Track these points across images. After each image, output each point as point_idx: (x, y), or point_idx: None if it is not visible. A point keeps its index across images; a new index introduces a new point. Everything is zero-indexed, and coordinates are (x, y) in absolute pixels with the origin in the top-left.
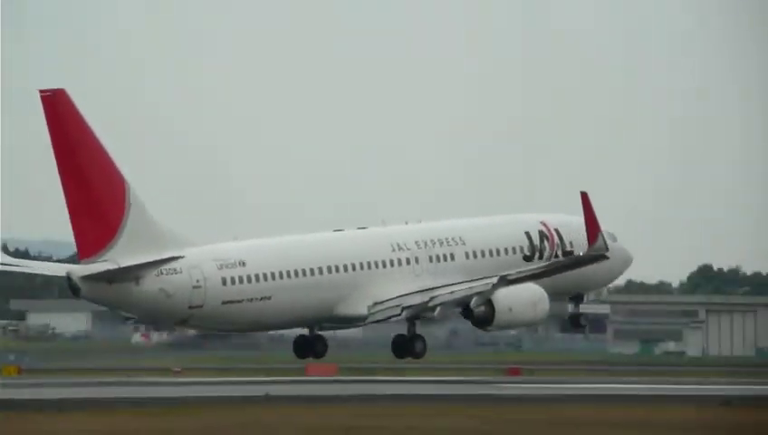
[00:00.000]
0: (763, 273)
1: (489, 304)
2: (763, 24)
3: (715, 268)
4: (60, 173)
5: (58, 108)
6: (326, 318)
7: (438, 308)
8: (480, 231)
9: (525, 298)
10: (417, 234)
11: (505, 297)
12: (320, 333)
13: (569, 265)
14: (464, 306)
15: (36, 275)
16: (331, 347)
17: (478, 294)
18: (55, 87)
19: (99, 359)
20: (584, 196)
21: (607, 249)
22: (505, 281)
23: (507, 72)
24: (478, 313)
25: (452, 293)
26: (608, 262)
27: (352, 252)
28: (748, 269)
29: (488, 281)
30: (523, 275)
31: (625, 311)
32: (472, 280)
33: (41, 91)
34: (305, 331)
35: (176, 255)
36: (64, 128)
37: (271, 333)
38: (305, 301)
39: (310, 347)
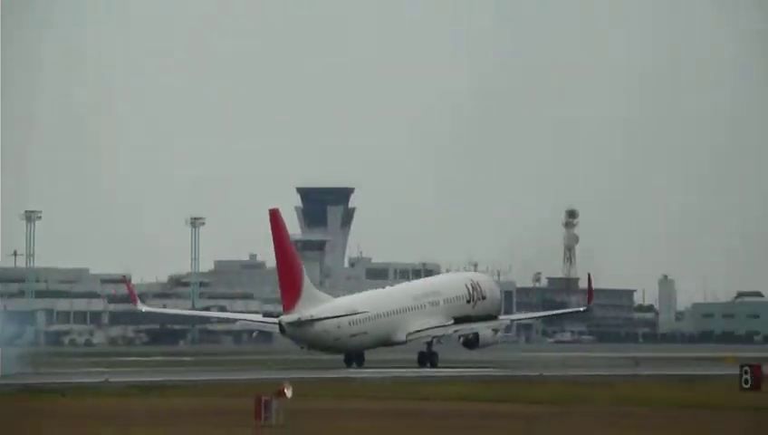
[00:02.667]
0: None
1: (476, 335)
2: None
3: None
4: (278, 263)
5: (278, 222)
6: (387, 343)
7: (456, 337)
8: (445, 285)
9: (493, 331)
10: (418, 289)
11: (483, 329)
12: (435, 350)
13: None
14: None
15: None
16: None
17: (471, 329)
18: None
19: None
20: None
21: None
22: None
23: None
24: (471, 340)
25: (466, 329)
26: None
27: (397, 302)
28: None
29: (483, 324)
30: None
31: None
32: (471, 322)
33: (271, 210)
34: (424, 347)
35: (332, 315)
36: (280, 235)
37: None
38: (380, 333)
39: (427, 358)
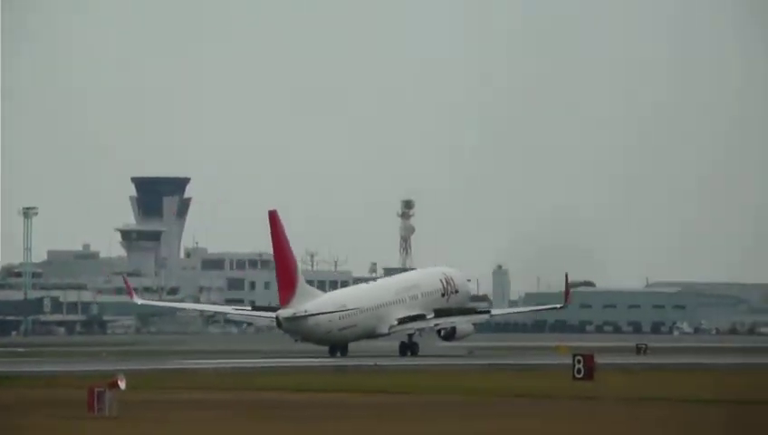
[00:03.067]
0: None
1: (454, 327)
2: None
3: None
4: (276, 261)
5: (276, 222)
6: (372, 335)
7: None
8: (422, 280)
9: (465, 322)
10: (400, 283)
11: (461, 323)
12: (415, 340)
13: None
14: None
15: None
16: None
17: (451, 323)
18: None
19: None
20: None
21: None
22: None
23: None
24: (448, 332)
25: (446, 322)
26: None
27: (381, 296)
28: None
29: (464, 318)
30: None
31: None
32: (451, 315)
33: (270, 212)
34: (405, 338)
35: (330, 310)
36: (279, 236)
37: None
38: (367, 326)
39: (408, 348)
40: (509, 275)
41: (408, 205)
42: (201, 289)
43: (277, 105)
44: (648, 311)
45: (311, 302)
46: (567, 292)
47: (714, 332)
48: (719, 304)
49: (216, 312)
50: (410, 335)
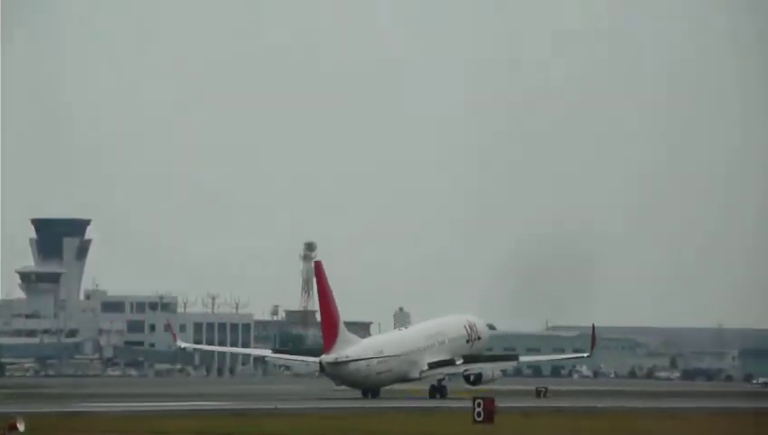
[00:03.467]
0: None
1: (480, 373)
2: None
3: None
4: (321, 309)
5: (321, 273)
6: (405, 379)
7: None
8: (448, 326)
9: (495, 368)
10: (430, 330)
11: (486, 368)
12: (444, 384)
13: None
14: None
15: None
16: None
17: (481, 368)
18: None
19: None
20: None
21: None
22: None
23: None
24: (475, 377)
25: (474, 368)
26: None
27: (414, 343)
28: None
29: (493, 365)
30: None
31: None
32: (479, 362)
33: (315, 263)
34: (435, 382)
35: (369, 356)
36: (324, 287)
37: None
38: (401, 370)
39: (437, 391)
40: (411, 317)
41: (309, 247)
42: (101, 331)
43: (177, 149)
44: (547, 354)
45: (351, 348)
46: (593, 340)
47: (612, 375)
48: (618, 348)
49: (257, 356)
50: (440, 380)
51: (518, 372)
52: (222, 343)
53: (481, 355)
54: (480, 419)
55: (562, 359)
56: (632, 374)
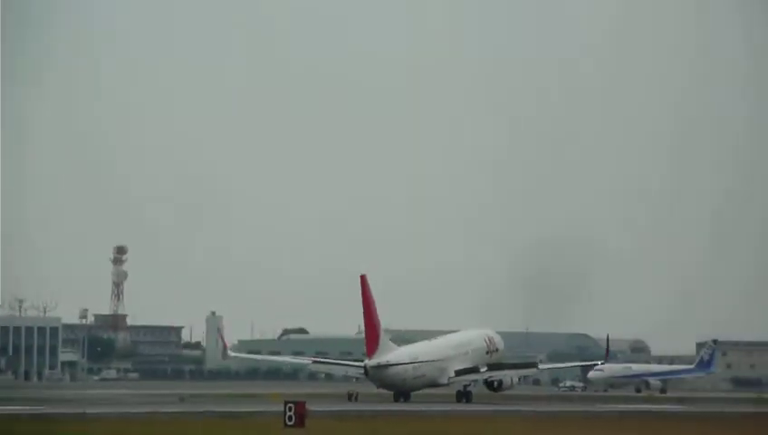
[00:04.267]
0: None
1: (500, 380)
2: None
3: None
4: (366, 319)
5: (366, 287)
6: (434, 384)
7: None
8: (472, 338)
9: (515, 375)
10: (455, 341)
11: (507, 376)
12: (469, 389)
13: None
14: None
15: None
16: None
17: (502, 375)
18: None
19: None
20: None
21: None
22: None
23: None
24: (497, 384)
25: (497, 375)
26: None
27: (443, 352)
28: None
29: (513, 372)
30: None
31: None
32: (500, 369)
33: (361, 276)
34: (461, 387)
35: (403, 362)
36: (368, 298)
37: None
38: (433, 376)
39: (463, 396)
40: (223, 321)
41: (120, 250)
42: None
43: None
44: (360, 357)
45: (392, 353)
46: (607, 348)
47: None
48: None
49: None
50: (465, 386)
51: (329, 377)
52: (29, 348)
53: (503, 363)
54: (291, 422)
55: (582, 365)
56: None
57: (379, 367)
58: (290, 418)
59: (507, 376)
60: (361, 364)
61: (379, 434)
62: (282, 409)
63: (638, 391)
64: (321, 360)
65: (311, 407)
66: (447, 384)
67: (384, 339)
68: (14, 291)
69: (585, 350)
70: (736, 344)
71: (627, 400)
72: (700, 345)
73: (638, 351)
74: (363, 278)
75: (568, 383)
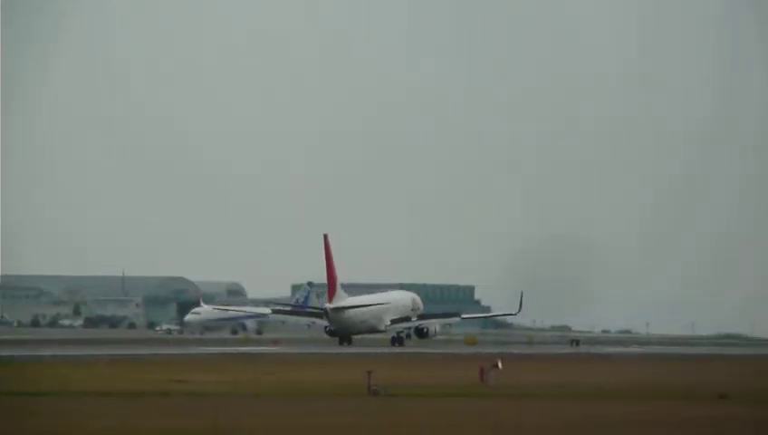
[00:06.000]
0: None
1: (427, 328)
2: None
3: None
4: (327, 272)
5: (328, 244)
6: (374, 331)
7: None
8: (400, 297)
9: (439, 324)
10: (390, 297)
11: (434, 324)
12: (401, 335)
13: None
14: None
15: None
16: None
17: (431, 323)
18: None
19: None
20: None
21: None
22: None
23: None
24: (423, 331)
25: (426, 323)
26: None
27: (381, 303)
28: None
29: (440, 320)
30: (472, 317)
31: None
32: (430, 317)
33: (324, 235)
34: (395, 334)
35: (360, 304)
36: (329, 253)
37: None
38: (373, 323)
39: (396, 341)
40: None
41: None
42: None
43: None
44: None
45: (345, 300)
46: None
47: (15, 324)
48: (22, 297)
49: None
50: (399, 332)
51: None
52: None
53: (432, 314)
54: None
55: (495, 315)
56: (35, 323)
57: (337, 310)
58: None
59: (433, 324)
60: (320, 309)
61: None
62: None
63: (235, 332)
64: (281, 309)
65: None
66: (385, 331)
67: (339, 290)
68: None
69: (181, 293)
70: None
71: (224, 342)
72: (296, 287)
73: (235, 294)
74: (326, 237)
75: (164, 327)
